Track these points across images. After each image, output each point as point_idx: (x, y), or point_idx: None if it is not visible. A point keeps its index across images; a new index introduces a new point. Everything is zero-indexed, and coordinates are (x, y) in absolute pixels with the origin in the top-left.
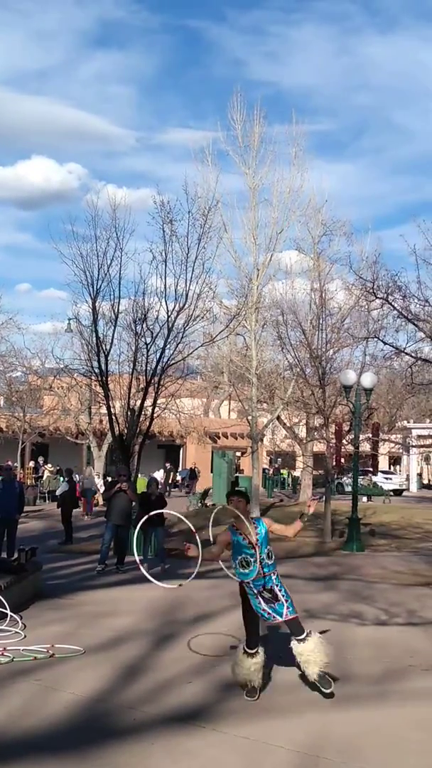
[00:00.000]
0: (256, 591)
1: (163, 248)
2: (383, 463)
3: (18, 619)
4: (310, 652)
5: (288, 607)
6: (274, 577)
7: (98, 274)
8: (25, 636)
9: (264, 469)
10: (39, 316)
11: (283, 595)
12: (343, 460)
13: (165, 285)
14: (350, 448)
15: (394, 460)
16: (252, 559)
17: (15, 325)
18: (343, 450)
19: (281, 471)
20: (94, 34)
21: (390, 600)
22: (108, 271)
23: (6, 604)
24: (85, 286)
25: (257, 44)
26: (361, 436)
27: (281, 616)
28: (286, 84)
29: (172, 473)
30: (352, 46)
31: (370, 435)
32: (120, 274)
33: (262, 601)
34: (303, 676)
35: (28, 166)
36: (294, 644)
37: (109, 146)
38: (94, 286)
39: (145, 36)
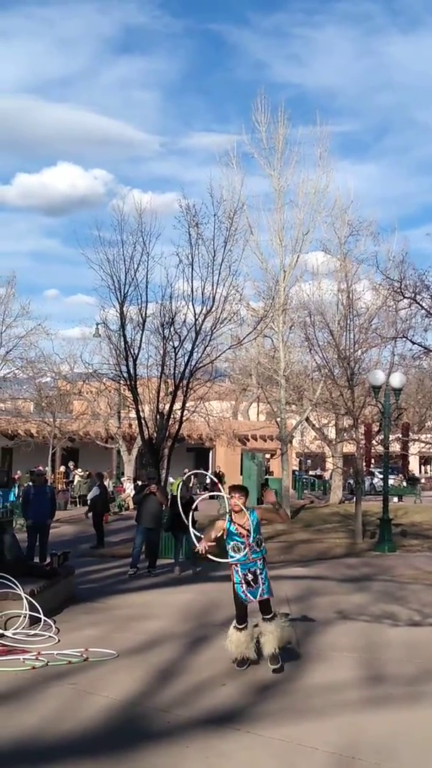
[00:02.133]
0: (242, 574)
1: (190, 252)
2: (414, 463)
3: (52, 624)
4: (272, 631)
5: (263, 590)
6: (259, 563)
7: (125, 279)
8: (58, 640)
9: (294, 471)
10: (67, 321)
11: (262, 580)
12: (373, 460)
13: (192, 288)
14: (380, 448)
15: (425, 460)
16: (242, 546)
17: (44, 331)
18: (372, 451)
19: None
20: (117, 40)
21: (423, 601)
22: (135, 275)
23: (39, 608)
24: (113, 291)
25: (280, 46)
26: (391, 437)
27: (255, 597)
28: (310, 85)
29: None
30: (375, 46)
31: (400, 435)
32: (147, 278)
33: (244, 584)
34: (258, 652)
35: (53, 173)
36: (260, 621)
37: (133, 151)
38: (122, 291)
39: (168, 41)
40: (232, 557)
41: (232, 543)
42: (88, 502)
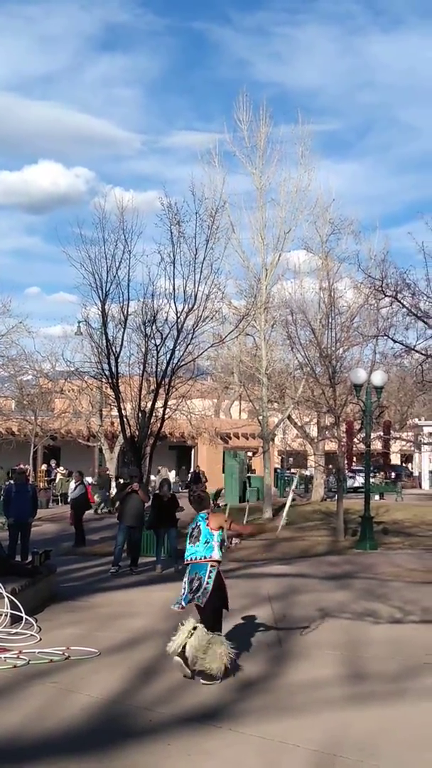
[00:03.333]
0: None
1: (171, 249)
2: (395, 460)
3: (33, 622)
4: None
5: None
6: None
7: (107, 277)
8: (40, 639)
9: (276, 469)
10: (49, 319)
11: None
12: (354, 458)
13: (174, 286)
14: (362, 446)
15: (406, 458)
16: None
17: (25, 329)
18: (354, 448)
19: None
20: (100, 38)
21: (404, 598)
22: (117, 273)
23: (21, 607)
24: (94, 289)
25: (262, 45)
26: (373, 435)
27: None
28: (291, 84)
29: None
30: (357, 45)
31: (382, 433)
32: (128, 276)
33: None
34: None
35: (35, 171)
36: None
37: (115, 149)
38: (103, 289)
39: (151, 39)
40: (221, 556)
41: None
42: (69, 501)
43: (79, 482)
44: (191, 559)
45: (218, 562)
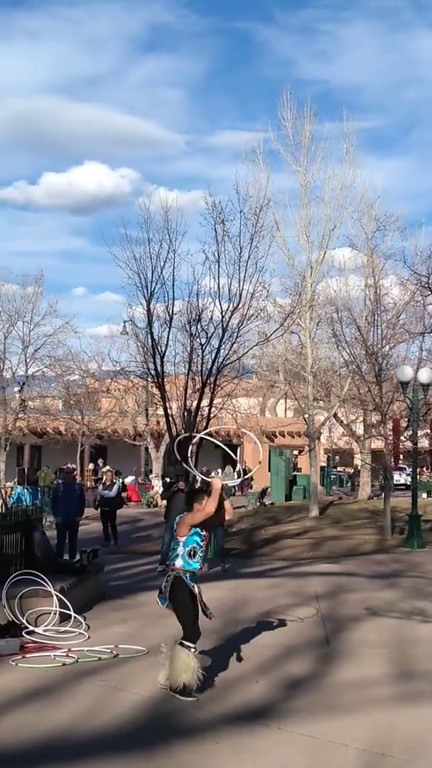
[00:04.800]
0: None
1: (216, 248)
2: None
3: (82, 621)
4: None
5: None
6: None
7: (152, 277)
8: (89, 637)
9: (324, 468)
10: (95, 319)
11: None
12: (401, 456)
13: (218, 285)
14: (408, 444)
15: None
16: (199, 551)
17: (72, 329)
18: (401, 446)
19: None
20: (144, 40)
21: None
22: (161, 273)
23: (69, 605)
24: (140, 289)
25: (306, 43)
26: (420, 432)
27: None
28: (336, 82)
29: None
30: (401, 41)
31: (429, 431)
32: (173, 275)
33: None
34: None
35: (81, 172)
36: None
37: (160, 150)
38: (149, 289)
39: (194, 39)
40: (188, 564)
41: (191, 545)
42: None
43: (112, 482)
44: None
45: (185, 571)
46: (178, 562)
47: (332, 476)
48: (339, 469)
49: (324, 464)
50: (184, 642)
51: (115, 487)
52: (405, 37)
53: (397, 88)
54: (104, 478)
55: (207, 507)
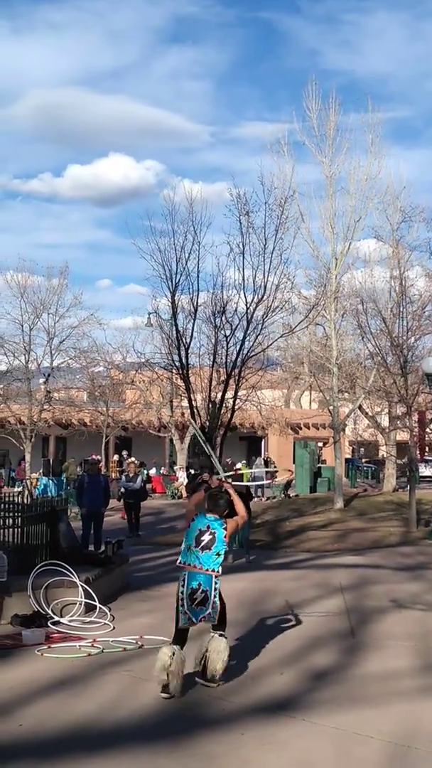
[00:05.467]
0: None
1: (240, 240)
2: None
3: (107, 611)
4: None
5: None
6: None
7: (176, 268)
8: (114, 627)
9: (353, 459)
10: (120, 311)
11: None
12: (426, 448)
13: (243, 277)
14: None
15: None
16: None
17: (96, 321)
18: (427, 438)
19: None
20: (168, 31)
21: None
22: (186, 264)
23: (95, 596)
24: (164, 281)
25: (331, 33)
26: None
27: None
28: (360, 72)
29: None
30: (426, 30)
31: None
32: (198, 267)
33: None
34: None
35: (106, 164)
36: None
37: (185, 142)
38: (173, 280)
39: (219, 30)
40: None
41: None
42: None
43: (135, 474)
44: (198, 567)
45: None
46: (220, 569)
47: (362, 467)
48: (365, 460)
49: (348, 456)
50: (224, 633)
51: (139, 479)
52: (430, 27)
53: (422, 78)
54: (128, 469)
55: (239, 511)
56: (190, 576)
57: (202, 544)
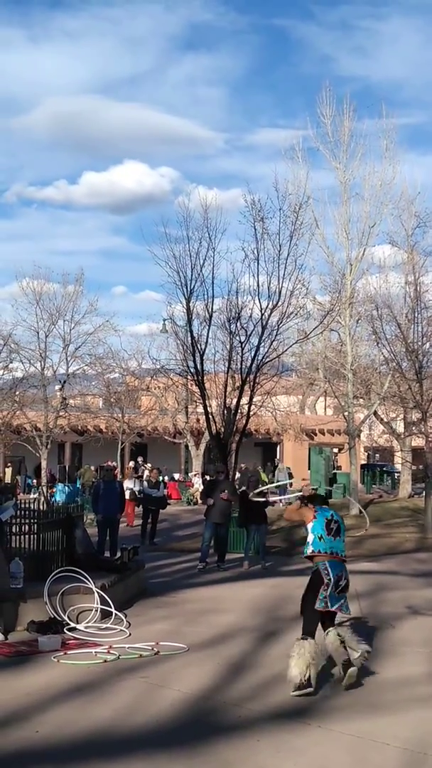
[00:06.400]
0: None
1: (255, 246)
2: None
3: (123, 618)
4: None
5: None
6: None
7: (191, 275)
8: (130, 634)
9: (372, 465)
10: (135, 317)
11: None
12: None
13: (258, 283)
14: None
15: None
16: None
17: (112, 328)
18: None
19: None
20: (183, 38)
21: None
22: (201, 271)
23: (110, 602)
24: (179, 287)
25: (345, 39)
26: None
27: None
28: (375, 78)
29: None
30: None
31: None
32: (213, 273)
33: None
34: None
35: (120, 171)
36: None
37: (199, 149)
38: (188, 287)
39: (233, 37)
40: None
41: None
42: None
43: (158, 481)
44: (336, 555)
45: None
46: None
47: (388, 468)
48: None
49: (363, 462)
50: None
51: (161, 486)
52: None
53: None
54: (147, 475)
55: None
56: (331, 563)
57: (333, 531)
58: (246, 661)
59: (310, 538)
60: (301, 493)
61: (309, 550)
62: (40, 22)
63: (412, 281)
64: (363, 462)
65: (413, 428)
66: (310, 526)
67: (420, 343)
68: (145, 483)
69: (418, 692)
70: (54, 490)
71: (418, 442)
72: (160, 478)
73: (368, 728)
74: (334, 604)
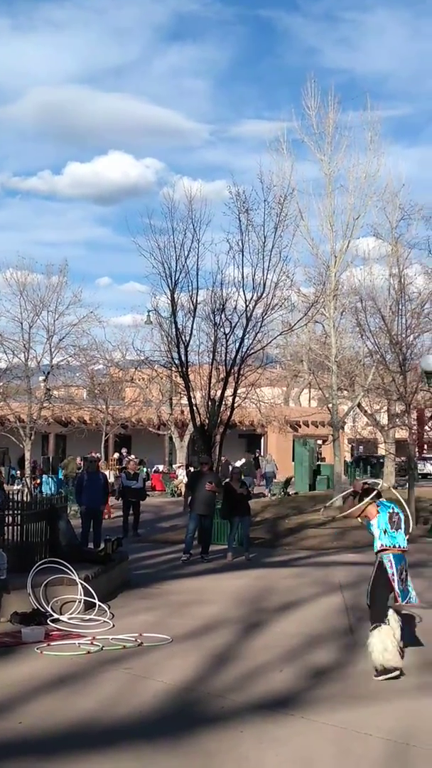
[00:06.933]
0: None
1: (240, 238)
2: None
3: (106, 609)
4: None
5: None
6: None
7: (176, 266)
8: (113, 625)
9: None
10: (119, 309)
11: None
12: (425, 446)
13: (242, 275)
14: None
15: None
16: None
17: (96, 319)
18: (425, 436)
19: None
20: (169, 29)
21: None
22: (185, 262)
23: (94, 593)
24: (164, 278)
25: (330, 31)
26: None
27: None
28: (360, 70)
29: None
30: (427, 28)
31: None
32: (197, 265)
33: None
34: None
35: (105, 162)
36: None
37: (184, 140)
38: (173, 278)
39: (219, 28)
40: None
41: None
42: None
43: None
44: (399, 548)
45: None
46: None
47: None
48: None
49: (348, 453)
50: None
51: (140, 478)
52: (430, 24)
53: (422, 76)
54: (128, 467)
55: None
56: (395, 556)
57: (395, 524)
58: (229, 652)
59: (377, 532)
60: (352, 489)
61: (378, 544)
62: (24, 11)
63: (396, 273)
64: (347, 453)
65: (397, 420)
66: (374, 521)
67: (404, 336)
68: (124, 475)
69: (400, 683)
70: (38, 481)
71: (402, 433)
72: (142, 469)
73: (351, 719)
74: (404, 599)
